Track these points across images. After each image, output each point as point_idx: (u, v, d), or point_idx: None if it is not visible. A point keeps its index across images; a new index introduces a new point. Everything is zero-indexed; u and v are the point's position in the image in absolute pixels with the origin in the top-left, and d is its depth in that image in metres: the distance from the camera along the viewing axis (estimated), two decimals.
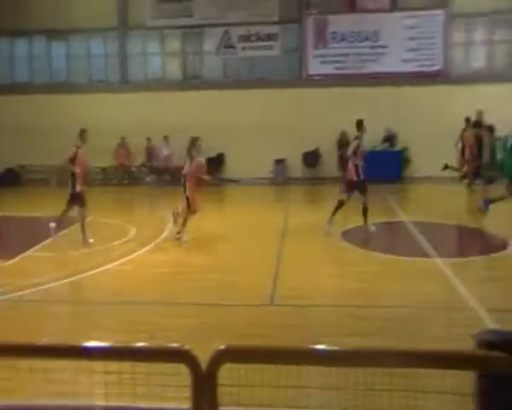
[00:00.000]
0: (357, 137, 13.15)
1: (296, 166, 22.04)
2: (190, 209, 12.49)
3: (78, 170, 12.21)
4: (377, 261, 10.88)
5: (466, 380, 2.96)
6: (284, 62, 22.53)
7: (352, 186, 13.15)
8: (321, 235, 12.67)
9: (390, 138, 21.41)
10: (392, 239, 13.84)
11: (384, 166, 19.90)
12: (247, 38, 22.62)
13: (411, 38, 21.48)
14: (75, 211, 12.51)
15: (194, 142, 12.82)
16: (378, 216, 14.32)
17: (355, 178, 13.03)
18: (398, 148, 21.35)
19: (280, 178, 21.86)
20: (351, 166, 13.08)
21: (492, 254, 11.40)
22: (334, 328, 7.35)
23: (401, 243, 12.75)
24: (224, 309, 8.31)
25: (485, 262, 11.09)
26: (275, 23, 22.27)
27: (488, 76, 20.98)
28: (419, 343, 6.34)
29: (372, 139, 20.68)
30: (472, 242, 13.21)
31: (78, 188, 12.27)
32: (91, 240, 12.24)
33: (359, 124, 13.13)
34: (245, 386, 3.35)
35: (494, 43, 21.47)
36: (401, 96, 20.97)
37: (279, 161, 22.14)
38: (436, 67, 21.35)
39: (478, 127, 17.92)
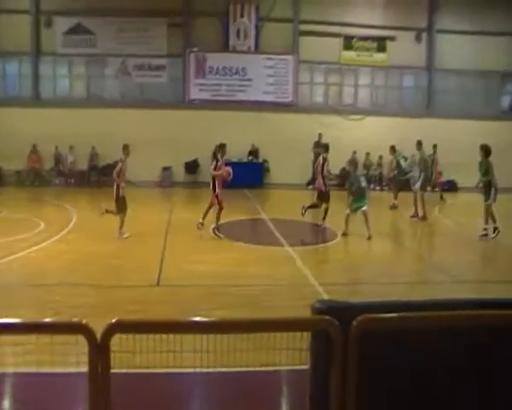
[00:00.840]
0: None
1: (179, 173, 21.99)
2: (220, 205, 11.95)
3: (122, 184, 11.74)
4: (241, 249, 11.02)
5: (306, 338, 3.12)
6: (171, 88, 22.40)
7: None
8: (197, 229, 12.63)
9: (254, 152, 21.90)
10: (254, 232, 13.99)
11: (249, 175, 20.43)
12: (140, 67, 22.31)
13: (270, 75, 22.04)
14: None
15: (222, 147, 12.15)
16: (245, 214, 14.64)
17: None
18: (260, 160, 21.87)
19: (166, 182, 21.73)
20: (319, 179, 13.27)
21: (326, 243, 12.02)
22: (205, 303, 7.39)
23: (261, 235, 12.92)
24: (119, 290, 8.15)
25: (321, 249, 11.61)
26: (163, 56, 22.12)
27: (325, 108, 22.06)
28: (271, 313, 6.64)
29: (240, 153, 21.17)
30: (312, 234, 13.74)
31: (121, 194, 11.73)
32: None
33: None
34: (132, 352, 3.43)
35: (329, 85, 22.57)
36: (263, 119, 21.49)
37: (166, 168, 22.00)
38: (289, 99, 22.03)
39: (318, 147, 18.93)
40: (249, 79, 22.07)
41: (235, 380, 5.03)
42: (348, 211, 12.29)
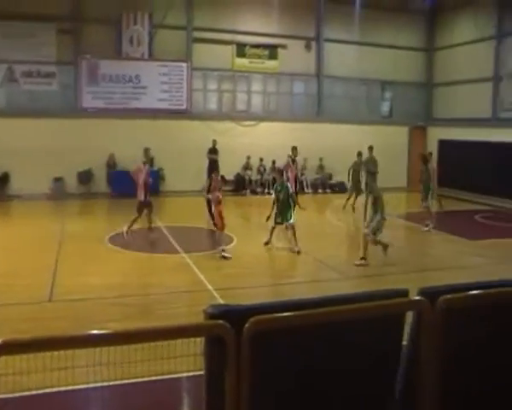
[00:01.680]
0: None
1: (72, 184, 21.11)
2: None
3: (140, 181, 12.47)
4: (137, 259, 10.81)
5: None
6: (62, 96, 21.44)
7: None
8: (92, 240, 12.31)
9: (149, 161, 21.48)
10: (150, 241, 13.74)
11: None
12: (29, 74, 21.15)
13: (164, 83, 21.80)
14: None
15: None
16: (140, 223, 14.29)
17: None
18: (155, 168, 21.51)
19: (58, 193, 20.76)
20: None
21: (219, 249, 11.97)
22: (100, 316, 7.19)
23: (156, 244, 12.69)
24: (6, 308, 7.68)
25: (216, 255, 11.48)
26: (53, 63, 21.16)
27: (219, 114, 22.19)
28: (167, 321, 6.52)
29: (135, 162, 20.71)
30: (208, 240, 13.72)
31: (142, 197, 12.43)
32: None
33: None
34: (20, 374, 3.24)
35: (222, 92, 22.76)
36: (157, 127, 21.19)
37: (57, 179, 21.01)
38: (183, 106, 21.92)
39: (212, 153, 19.18)
40: (143, 87, 21.69)
41: (131, 392, 4.90)
42: (273, 224, 11.94)
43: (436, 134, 24.61)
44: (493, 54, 21.84)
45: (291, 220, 11.85)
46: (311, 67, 23.79)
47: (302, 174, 22.68)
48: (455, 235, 14.27)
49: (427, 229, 14.42)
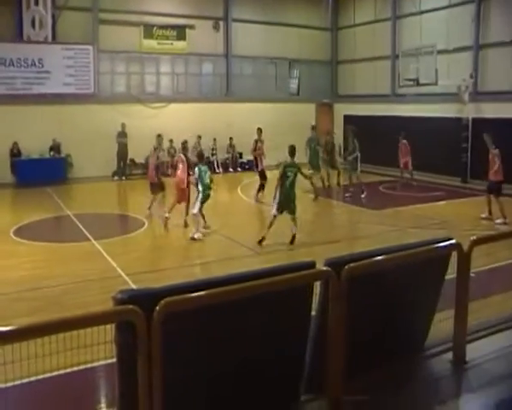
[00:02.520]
0: None
1: None
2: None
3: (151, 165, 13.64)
4: (45, 250, 10.29)
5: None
6: None
7: None
8: None
9: (55, 148, 20.55)
10: (58, 230, 13.16)
11: (51, 171, 19.24)
12: None
13: (70, 66, 20.76)
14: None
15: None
16: (47, 212, 13.70)
17: None
18: (62, 155, 20.62)
19: None
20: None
21: (131, 234, 11.76)
22: (7, 311, 6.83)
23: (65, 232, 12.24)
24: None
25: (128, 239, 11.34)
26: None
27: (127, 97, 21.57)
28: (77, 311, 6.29)
29: (41, 149, 19.75)
30: (119, 225, 13.43)
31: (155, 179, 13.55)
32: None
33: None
34: None
35: (130, 74, 22.10)
36: (64, 112, 20.22)
37: None
38: (90, 90, 21.05)
39: (121, 137, 18.66)
40: (47, 71, 20.56)
41: (43, 388, 4.69)
42: (276, 213, 10.67)
43: (341, 110, 25.34)
44: (390, 34, 22.70)
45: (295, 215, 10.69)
46: (220, 48, 23.63)
47: (213, 154, 22.64)
48: (361, 206, 14.84)
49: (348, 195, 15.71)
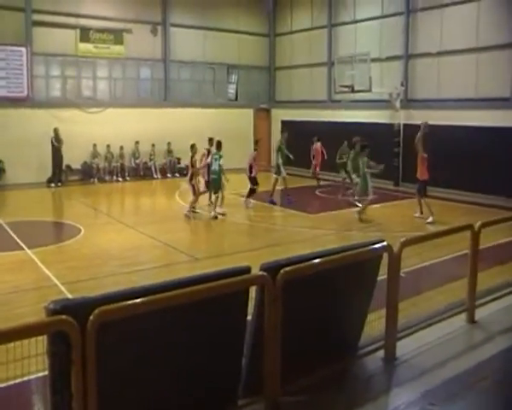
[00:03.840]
0: None
1: None
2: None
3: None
4: None
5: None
6: None
7: None
8: None
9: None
10: None
11: None
12: None
13: (2, 68, 20.00)
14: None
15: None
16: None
17: None
18: None
19: None
20: None
21: (67, 241, 11.47)
22: None
23: None
24: None
25: (62, 247, 11.03)
26: None
27: (63, 101, 21.01)
28: (9, 323, 6.05)
29: None
30: (54, 233, 13.08)
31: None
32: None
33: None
34: None
35: (66, 78, 21.50)
36: None
37: None
38: (23, 93, 20.32)
39: (58, 142, 18.05)
40: None
41: None
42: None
43: (279, 115, 25.65)
44: (326, 41, 23.21)
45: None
46: (158, 52, 23.39)
47: (151, 159, 22.39)
48: (298, 210, 15.08)
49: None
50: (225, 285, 3.38)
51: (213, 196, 14.29)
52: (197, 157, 14.51)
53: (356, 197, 15.02)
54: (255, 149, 16.39)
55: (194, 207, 14.14)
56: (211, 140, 15.26)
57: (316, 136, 19.02)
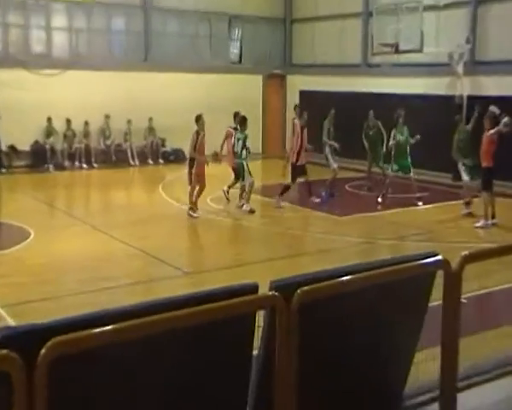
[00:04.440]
0: None
1: None
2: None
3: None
4: None
5: None
6: None
7: None
8: None
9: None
10: None
11: None
12: None
13: None
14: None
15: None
16: None
17: None
18: None
19: None
20: None
21: (7, 249, 11.41)
22: None
23: None
24: None
25: (3, 257, 10.94)
26: None
27: (4, 58, 20.91)
28: None
29: None
30: None
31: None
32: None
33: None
34: None
35: (9, 26, 21.37)
36: None
37: None
38: None
39: None
40: None
41: None
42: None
43: (297, 84, 25.70)
44: None
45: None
46: None
47: (126, 140, 22.45)
48: (323, 211, 15.08)
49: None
50: (222, 309, 3.37)
51: (245, 185, 15.00)
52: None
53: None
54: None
55: (194, 204, 14.21)
56: (237, 115, 15.94)
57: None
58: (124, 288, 9.35)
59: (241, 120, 15.23)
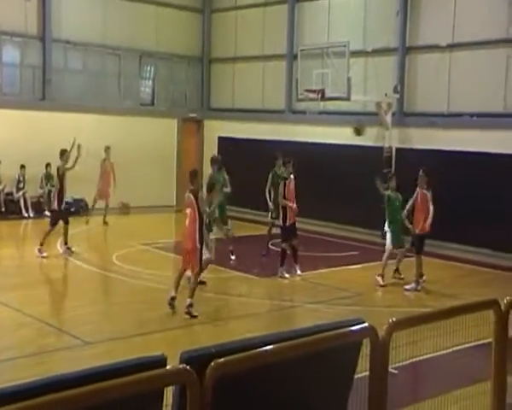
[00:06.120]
0: None
1: None
2: None
3: None
4: None
5: None
6: None
7: None
8: None
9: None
10: None
11: None
12: None
13: None
14: None
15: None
16: None
17: None
18: None
19: None
20: None
21: None
22: None
23: None
24: None
25: None
26: None
27: None
28: None
29: None
30: None
31: None
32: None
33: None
34: None
35: None
36: None
37: None
38: None
39: None
40: None
41: None
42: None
43: (215, 129, 25.99)
44: (287, 23, 23.69)
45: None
46: (33, 25, 23.14)
47: (19, 189, 21.95)
48: (243, 271, 15.12)
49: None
50: (124, 386, 3.34)
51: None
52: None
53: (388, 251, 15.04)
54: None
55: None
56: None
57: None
58: (10, 362, 9.07)
59: (212, 160, 15.20)
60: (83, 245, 16.41)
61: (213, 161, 16.19)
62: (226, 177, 15.91)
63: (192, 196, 11.78)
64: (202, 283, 13.07)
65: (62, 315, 11.38)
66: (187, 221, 11.70)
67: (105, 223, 20.78)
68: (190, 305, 11.28)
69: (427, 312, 7.09)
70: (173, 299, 11.51)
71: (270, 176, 16.68)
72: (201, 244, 11.68)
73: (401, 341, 4.99)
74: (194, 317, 11.21)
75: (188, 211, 11.70)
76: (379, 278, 14.24)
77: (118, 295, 13.43)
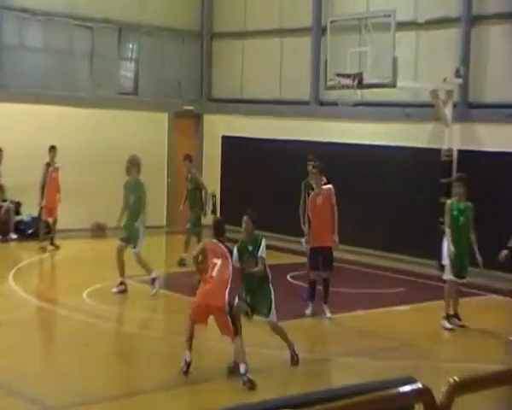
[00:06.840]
0: None
1: None
2: None
3: None
4: None
5: None
6: None
7: None
8: None
9: None
10: None
11: None
12: None
13: None
14: None
15: None
16: None
17: None
18: None
19: None
20: None
21: None
22: None
23: None
24: None
25: None
26: None
27: None
28: None
29: None
30: None
31: None
32: None
33: None
34: None
35: None
36: None
37: None
38: None
39: None
40: None
41: None
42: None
43: (218, 126, 26.18)
44: None
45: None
46: None
47: None
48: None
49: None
50: None
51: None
52: None
53: None
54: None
55: None
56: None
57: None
58: None
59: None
60: (45, 279, 16.45)
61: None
62: None
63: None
64: None
65: (15, 371, 11.28)
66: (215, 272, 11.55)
67: (55, 246, 20.76)
68: (246, 371, 10.90)
69: (501, 369, 7.04)
70: (189, 365, 11.11)
71: (303, 187, 16.54)
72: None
73: (466, 408, 4.94)
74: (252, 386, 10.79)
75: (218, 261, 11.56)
76: (444, 322, 14.21)
77: (89, 344, 13.33)
